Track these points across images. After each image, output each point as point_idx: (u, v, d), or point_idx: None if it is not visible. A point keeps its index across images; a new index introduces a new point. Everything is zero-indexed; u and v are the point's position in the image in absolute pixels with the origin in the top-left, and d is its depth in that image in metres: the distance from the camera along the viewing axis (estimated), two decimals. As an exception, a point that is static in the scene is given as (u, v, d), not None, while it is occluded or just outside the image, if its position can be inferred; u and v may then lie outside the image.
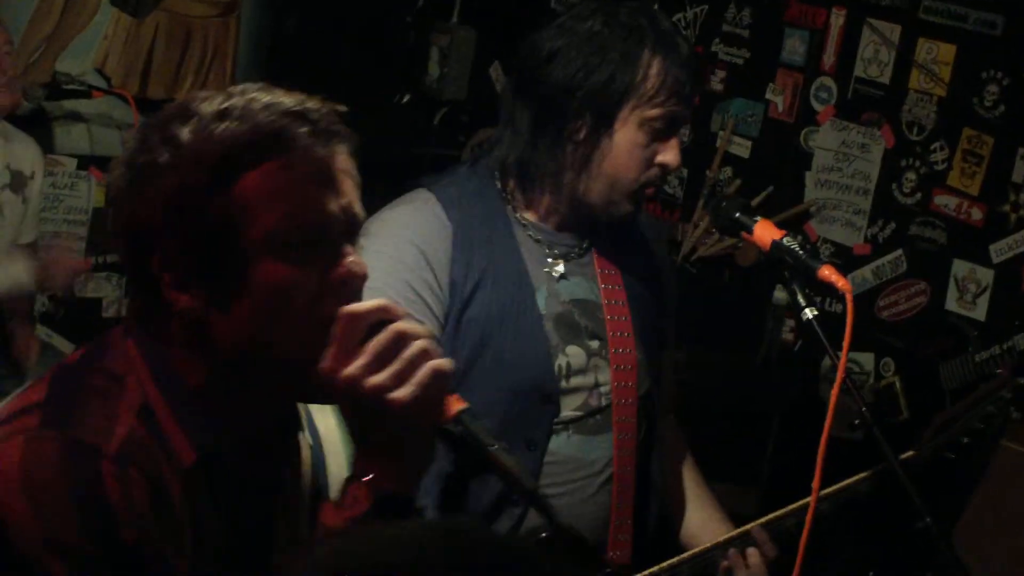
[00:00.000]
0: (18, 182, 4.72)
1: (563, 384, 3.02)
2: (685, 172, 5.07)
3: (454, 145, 5.65)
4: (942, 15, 4.49)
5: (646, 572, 3.02)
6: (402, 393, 1.89)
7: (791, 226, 4.68)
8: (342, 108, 1.96)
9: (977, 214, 4.46)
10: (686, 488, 3.40)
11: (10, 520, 1.81)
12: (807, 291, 2.83)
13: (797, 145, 4.81)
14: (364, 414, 1.92)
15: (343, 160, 1.94)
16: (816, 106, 4.76)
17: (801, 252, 2.85)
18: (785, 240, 2.86)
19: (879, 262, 4.65)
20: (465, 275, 2.91)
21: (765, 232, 2.90)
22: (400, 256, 2.86)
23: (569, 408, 3.04)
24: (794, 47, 4.80)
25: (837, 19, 4.71)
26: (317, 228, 1.90)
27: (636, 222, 3.18)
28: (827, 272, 2.80)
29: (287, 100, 1.91)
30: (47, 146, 5.20)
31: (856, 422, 2.84)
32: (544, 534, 3.05)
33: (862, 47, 4.66)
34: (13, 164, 4.71)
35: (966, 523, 3.94)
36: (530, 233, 3.03)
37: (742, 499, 4.12)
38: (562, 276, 3.06)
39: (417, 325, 1.96)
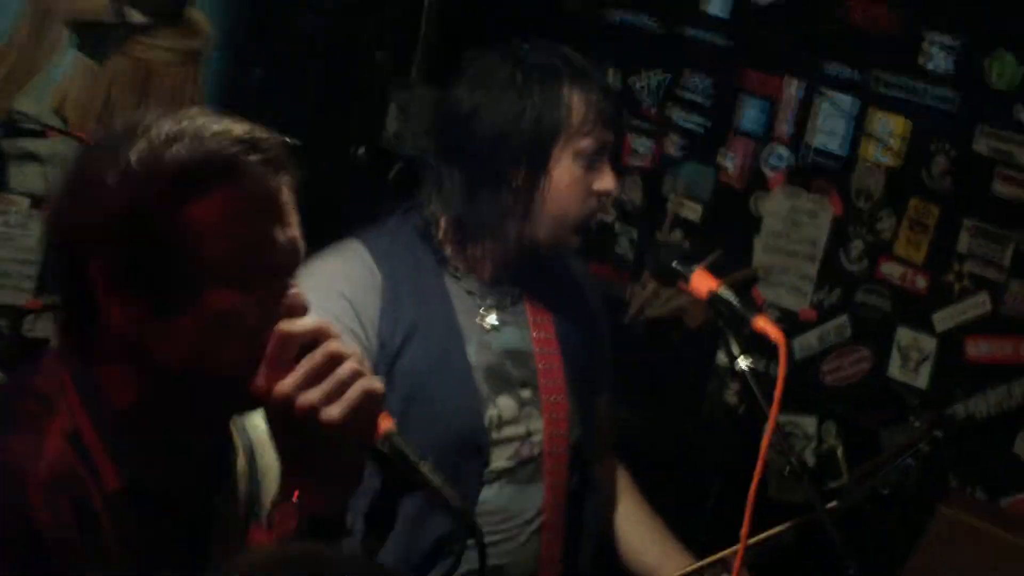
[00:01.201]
0: None
1: (494, 435, 3.03)
2: (635, 234, 5.09)
3: (408, 198, 5.66)
4: (897, 88, 4.53)
5: None
6: (333, 411, 1.91)
7: (738, 290, 4.72)
8: (289, 140, 1.98)
9: (922, 282, 4.49)
10: (639, 523, 3.40)
11: None
12: (743, 343, 2.86)
13: (747, 210, 4.83)
14: (294, 432, 1.93)
15: (288, 191, 1.96)
16: (767, 172, 4.80)
17: (736, 303, 2.88)
18: (721, 291, 2.90)
19: (824, 327, 4.68)
20: (394, 327, 2.92)
21: (702, 282, 2.94)
22: (328, 307, 2.85)
23: (500, 459, 3.05)
24: (749, 114, 4.84)
25: (790, 87, 4.75)
26: (266, 259, 1.94)
27: (567, 267, 3.20)
28: (762, 323, 2.84)
29: (237, 128, 1.94)
30: (1, 185, 5.20)
31: (787, 470, 2.87)
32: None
33: (814, 116, 4.70)
34: None
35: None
36: (462, 285, 3.04)
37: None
38: (494, 327, 3.07)
39: (350, 346, 1.98)
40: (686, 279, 2.96)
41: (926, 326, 4.48)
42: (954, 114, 4.42)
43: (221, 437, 2.11)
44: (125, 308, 1.92)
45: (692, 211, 4.96)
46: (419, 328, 2.96)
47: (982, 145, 4.36)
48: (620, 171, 4.98)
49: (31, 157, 5.35)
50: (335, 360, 1.94)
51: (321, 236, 2.97)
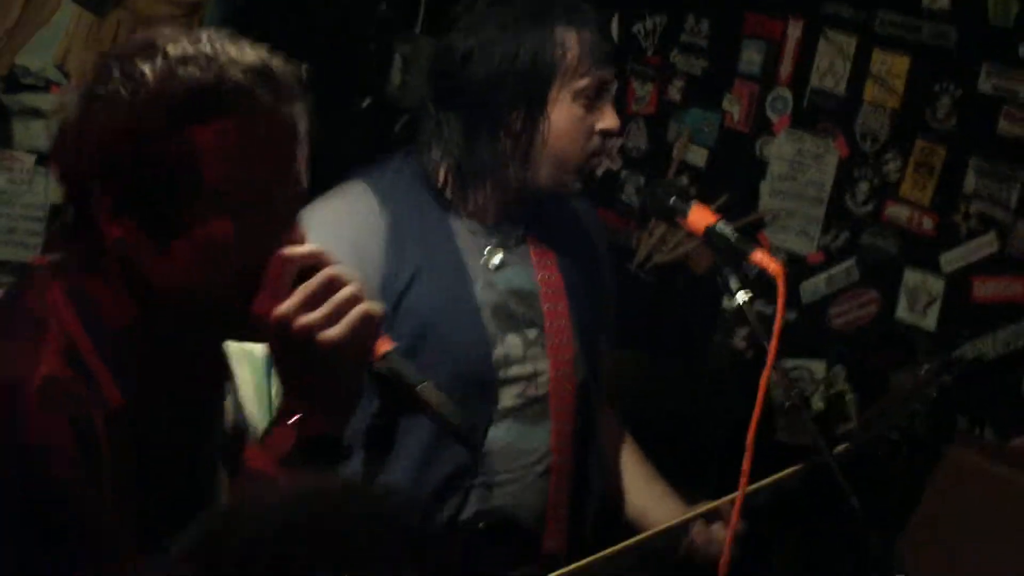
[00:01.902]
0: None
1: (501, 374, 3.03)
2: (641, 181, 5.07)
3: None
4: (897, 27, 4.51)
5: (611, 549, 3.03)
6: (332, 333, 1.93)
7: (745, 235, 4.71)
8: (303, 67, 1.99)
9: (928, 224, 4.48)
10: (632, 470, 3.40)
11: None
12: (741, 278, 2.86)
13: (752, 154, 4.82)
14: (293, 354, 1.95)
15: (299, 122, 1.97)
16: (772, 116, 4.78)
17: (733, 237, 2.88)
18: (718, 225, 2.89)
19: (832, 271, 4.67)
20: (399, 268, 2.92)
21: (700, 217, 2.93)
22: (331, 248, 2.85)
23: (507, 398, 3.05)
24: (751, 58, 4.82)
25: (794, 30, 4.72)
26: (267, 189, 1.94)
27: (573, 209, 3.20)
28: (759, 255, 2.84)
29: (252, 55, 1.93)
30: (5, 141, 5.20)
31: (787, 404, 2.87)
32: (481, 524, 3.07)
33: (817, 58, 4.68)
34: None
35: (912, 531, 3.95)
36: (466, 225, 3.04)
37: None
38: (499, 266, 3.06)
39: (348, 271, 2.00)
40: (684, 214, 2.95)
41: (933, 267, 4.47)
42: (956, 52, 4.40)
43: (216, 359, 2.11)
44: (123, 229, 1.92)
45: (698, 156, 4.94)
46: (425, 268, 2.96)
47: (986, 84, 4.34)
48: (625, 118, 5.02)
49: (35, 113, 5.35)
50: (334, 283, 1.96)
51: (327, 189, 2.97)
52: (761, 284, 4.62)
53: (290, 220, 1.99)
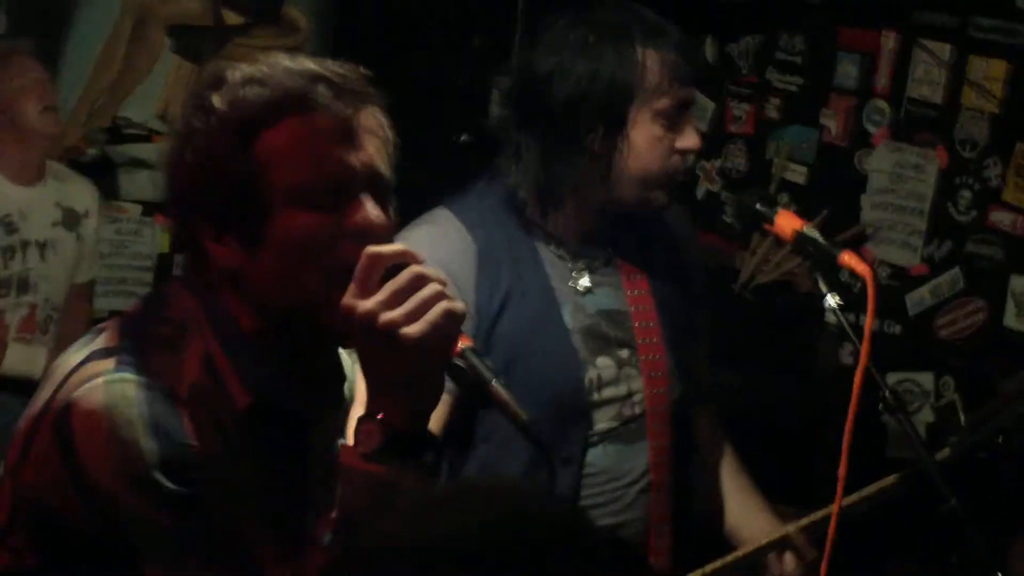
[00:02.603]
0: (71, 219, 4.79)
1: (595, 397, 3.02)
2: (743, 201, 5.05)
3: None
4: (993, 31, 4.47)
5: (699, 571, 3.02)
6: (414, 329, 1.99)
7: (856, 254, 4.68)
8: (365, 71, 2.08)
9: (1035, 229, 4.44)
10: (730, 483, 3.37)
11: (92, 456, 1.95)
12: (831, 282, 2.83)
13: (852, 168, 4.78)
14: (377, 350, 2.01)
15: (366, 118, 2.04)
16: (870, 128, 4.75)
17: (822, 240, 2.85)
18: (806, 229, 2.87)
19: (936, 281, 4.63)
20: (491, 294, 2.91)
21: (787, 222, 2.91)
22: None
23: (603, 420, 3.03)
24: (846, 71, 4.79)
25: (888, 41, 4.69)
26: (334, 179, 2.01)
27: (663, 222, 3.18)
28: (848, 258, 2.81)
29: (309, 64, 2.05)
30: (112, 192, 5.29)
31: (880, 406, 2.83)
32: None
33: (913, 68, 4.65)
34: (65, 202, 4.80)
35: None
36: (552, 249, 3.03)
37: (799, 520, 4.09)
38: (588, 290, 3.06)
39: (434, 270, 2.05)
40: (771, 220, 2.93)
41: (1041, 274, 4.42)
42: (1054, 51, 4.36)
43: (331, 363, 2.19)
44: (221, 247, 2.04)
45: (797, 174, 4.92)
46: (514, 293, 2.96)
47: (1086, 82, 4.30)
48: (723, 139, 5.01)
49: (139, 163, 5.44)
50: (419, 281, 2.01)
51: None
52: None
53: (371, 215, 2.04)
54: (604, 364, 3.04)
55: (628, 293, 3.11)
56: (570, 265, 3.05)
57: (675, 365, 3.14)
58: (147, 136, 5.39)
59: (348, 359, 2.23)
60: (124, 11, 5.32)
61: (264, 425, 2.07)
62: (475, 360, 2.07)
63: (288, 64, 2.05)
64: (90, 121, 5.21)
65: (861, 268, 2.80)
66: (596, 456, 3.03)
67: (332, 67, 2.05)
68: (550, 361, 2.96)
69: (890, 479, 3.18)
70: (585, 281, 3.06)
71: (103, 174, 5.25)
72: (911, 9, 4.64)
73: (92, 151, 5.19)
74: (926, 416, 4.61)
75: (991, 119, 4.50)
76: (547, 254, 3.03)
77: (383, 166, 2.06)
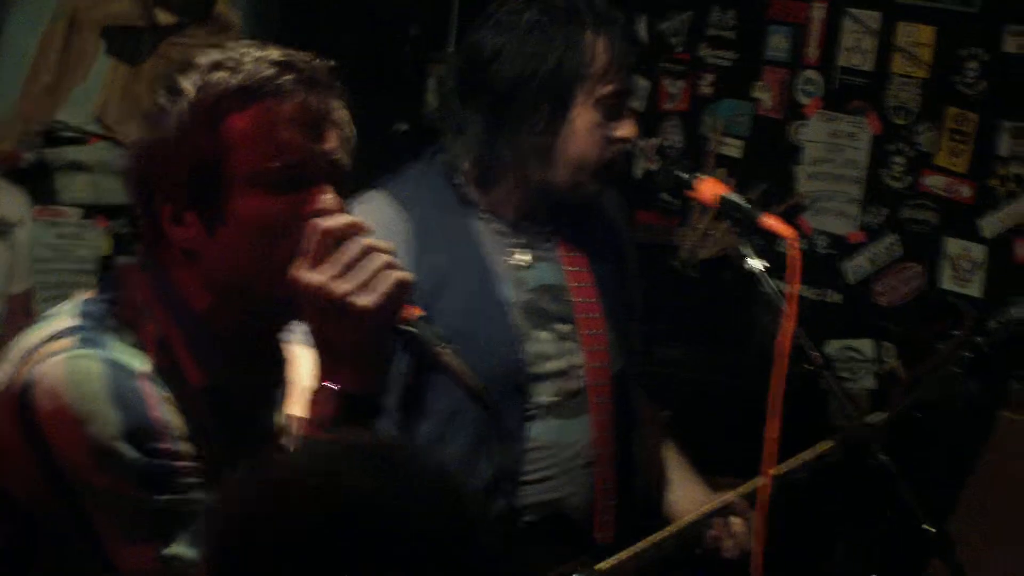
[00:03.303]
0: (2, 228, 4.75)
1: (535, 370, 3.03)
2: (681, 178, 5.07)
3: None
4: (918, -3, 4.52)
5: (632, 549, 3.03)
6: (366, 299, 2.06)
7: (785, 220, 4.69)
8: (332, 64, 2.15)
9: (966, 191, 4.48)
10: (664, 458, 3.40)
11: (56, 431, 2.00)
12: (756, 245, 2.86)
13: (787, 140, 4.80)
14: (329, 320, 2.07)
15: (328, 109, 2.11)
16: (803, 99, 4.77)
17: (744, 204, 2.87)
18: (729, 194, 2.89)
19: (873, 248, 4.66)
20: (426, 272, 2.92)
21: (709, 188, 2.93)
22: None
23: (544, 394, 3.05)
24: (778, 43, 4.82)
25: (817, 11, 4.72)
26: (296, 165, 2.08)
27: (600, 203, 3.20)
28: (770, 220, 2.83)
29: (276, 52, 2.12)
30: (50, 197, 5.26)
31: (806, 366, 2.85)
32: (528, 519, 3.07)
33: (843, 37, 4.68)
34: None
35: (970, 496, 3.92)
36: (490, 225, 3.04)
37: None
38: (527, 265, 3.07)
39: (383, 242, 2.12)
40: (692, 187, 2.95)
41: (974, 234, 4.46)
42: (979, 16, 4.39)
43: (275, 344, 2.25)
44: (181, 227, 2.09)
45: (733, 148, 4.94)
46: (451, 271, 2.97)
47: (1011, 44, 4.34)
48: (659, 116, 5.03)
49: (78, 167, 5.41)
50: (368, 252, 2.08)
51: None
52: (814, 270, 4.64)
53: (329, 203, 2.10)
54: (544, 338, 3.05)
55: (567, 269, 3.13)
56: (509, 241, 3.06)
57: (615, 340, 3.16)
58: (84, 139, 5.36)
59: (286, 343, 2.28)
60: (56, 16, 5.30)
61: (217, 403, 2.13)
62: (426, 328, 2.13)
63: (258, 52, 2.10)
64: (26, 128, 5.19)
65: (785, 230, 2.82)
66: (539, 430, 3.04)
67: (301, 58, 2.11)
68: (488, 336, 2.97)
69: (828, 443, 3.21)
70: (524, 256, 3.07)
71: (41, 179, 5.22)
72: (838, -23, 4.67)
73: (29, 156, 5.16)
74: (868, 382, 4.63)
75: (921, 84, 4.55)
76: (485, 230, 3.04)
77: (344, 157, 2.12)
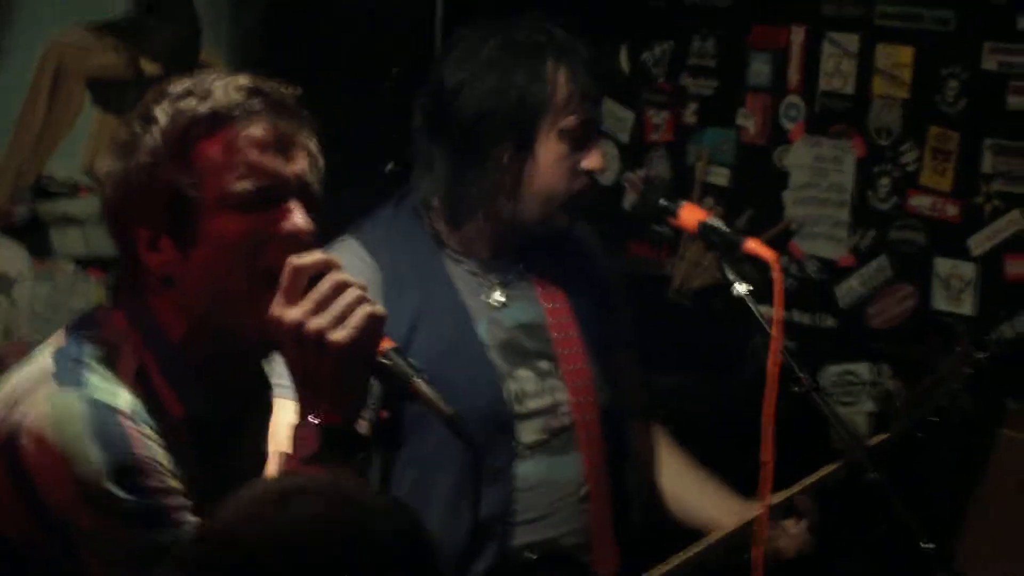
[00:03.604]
0: (3, 284, 4.77)
1: (517, 409, 3.03)
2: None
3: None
4: (897, 19, 4.54)
5: (683, 554, 3.03)
6: (340, 335, 2.11)
7: (775, 246, 4.70)
8: (297, 90, 2.24)
9: (952, 210, 4.50)
10: (679, 473, 3.39)
11: (43, 475, 2.05)
12: (739, 270, 2.87)
13: (772, 166, 4.82)
14: (305, 356, 2.13)
15: (296, 133, 2.20)
16: (787, 125, 4.79)
17: (726, 229, 2.89)
18: (709, 219, 2.91)
19: (864, 271, 4.67)
20: (398, 317, 2.91)
21: (691, 215, 2.95)
22: None
23: (530, 432, 3.05)
24: (759, 70, 4.83)
25: (797, 36, 4.74)
26: (266, 185, 2.15)
27: (572, 232, 3.20)
28: (752, 244, 2.85)
29: (243, 79, 2.21)
30: (44, 251, 5.27)
31: (795, 388, 2.87)
32: (529, 554, 3.07)
33: (824, 61, 4.70)
34: None
35: (973, 517, 3.92)
36: (463, 266, 3.04)
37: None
38: (502, 304, 3.07)
39: (354, 277, 2.18)
40: (674, 214, 2.97)
41: (963, 253, 4.48)
42: (957, 35, 4.42)
43: (257, 371, 2.31)
44: (156, 253, 2.16)
45: (719, 176, 4.95)
46: (425, 313, 2.97)
47: (991, 61, 4.37)
48: (644, 148, 5.03)
49: (69, 220, 5.42)
50: (340, 287, 2.13)
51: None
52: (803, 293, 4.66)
53: (299, 222, 2.17)
54: (524, 376, 3.05)
55: (544, 305, 3.13)
56: (482, 280, 3.06)
57: (600, 373, 3.16)
58: (74, 191, 5.37)
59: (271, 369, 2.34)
60: (41, 69, 5.31)
61: (198, 434, 2.19)
62: (399, 359, 2.19)
63: (227, 80, 2.19)
64: (16, 182, 5.20)
65: (766, 254, 2.84)
66: (528, 469, 3.04)
67: (269, 84, 2.20)
68: (468, 376, 2.97)
69: (831, 467, 3.22)
70: (499, 296, 3.07)
71: (34, 233, 5.24)
72: (817, 2, 4.68)
73: (21, 210, 5.17)
74: (867, 405, 4.63)
75: (903, 105, 4.56)
76: (458, 270, 3.04)
77: (313, 179, 2.20)
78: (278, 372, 2.32)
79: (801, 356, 4.36)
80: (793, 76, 4.77)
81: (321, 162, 2.23)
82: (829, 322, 4.73)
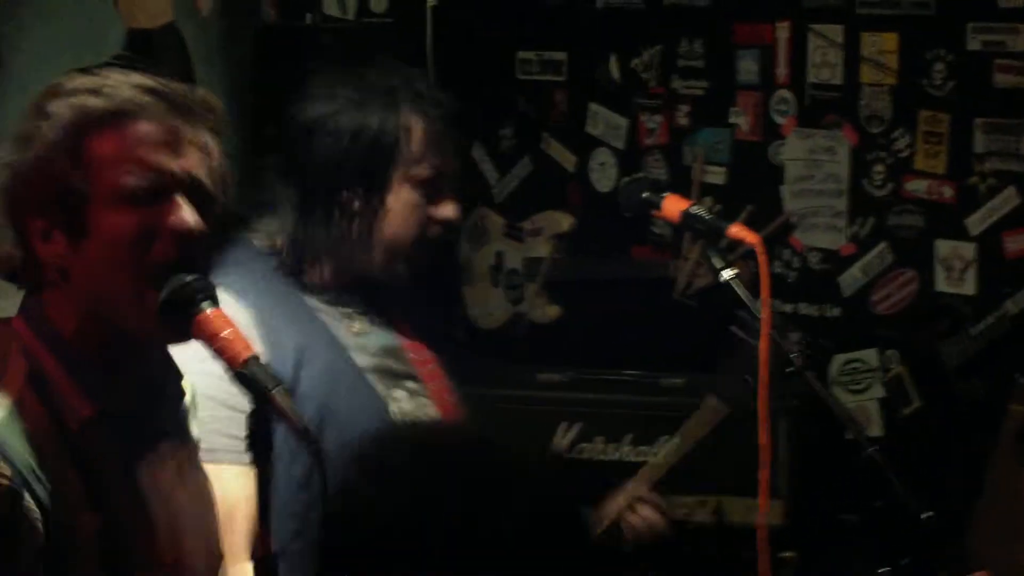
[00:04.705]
0: None
1: None
2: (670, 210, 5.09)
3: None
4: (878, 6, 4.57)
5: None
6: None
7: (775, 241, 4.72)
8: (210, 97, 2.29)
9: (948, 192, 4.52)
10: None
11: None
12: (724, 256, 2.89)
13: (768, 161, 4.84)
14: None
15: (192, 133, 2.22)
16: (778, 120, 4.80)
17: (709, 216, 2.90)
18: (692, 208, 2.92)
19: (866, 258, 4.68)
20: (283, 356, 2.88)
21: (674, 205, 2.97)
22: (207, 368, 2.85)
23: None
24: (748, 67, 4.85)
25: (782, 31, 4.76)
26: (154, 179, 2.18)
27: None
28: (736, 229, 2.87)
29: (139, 77, 2.24)
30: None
31: (788, 369, 2.89)
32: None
33: (810, 53, 4.72)
34: None
35: (984, 492, 3.93)
36: (321, 299, 3.01)
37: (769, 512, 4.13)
38: (364, 331, 3.04)
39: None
40: (658, 206, 2.98)
41: (962, 233, 4.50)
42: (940, 17, 4.45)
43: (163, 360, 2.33)
44: (50, 245, 2.18)
45: (716, 175, 4.96)
46: (304, 349, 2.92)
47: (975, 42, 4.39)
48: (641, 152, 5.05)
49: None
50: None
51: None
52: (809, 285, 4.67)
53: (186, 217, 2.20)
54: (401, 396, 3.03)
55: (395, 328, 3.11)
56: (341, 311, 3.02)
57: (455, 385, 3.16)
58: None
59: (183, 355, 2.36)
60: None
61: (110, 430, 2.21)
62: (257, 369, 2.16)
63: (122, 77, 2.23)
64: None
65: (750, 237, 2.86)
66: None
67: (169, 83, 2.23)
68: (357, 405, 2.95)
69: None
70: (359, 324, 3.04)
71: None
72: (798, -5, 4.72)
73: (17, 252, 5.20)
74: (877, 392, 4.64)
75: (892, 91, 4.58)
76: (318, 304, 3.00)
77: (204, 176, 2.22)
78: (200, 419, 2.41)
79: (809, 347, 4.43)
80: (781, 71, 4.78)
81: (218, 161, 2.25)
82: (833, 312, 4.74)
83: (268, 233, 3.01)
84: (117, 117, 2.18)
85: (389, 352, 3.06)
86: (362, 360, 3.00)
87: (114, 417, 2.22)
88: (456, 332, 5.26)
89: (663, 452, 3.30)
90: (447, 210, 2.99)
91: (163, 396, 2.35)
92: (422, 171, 2.95)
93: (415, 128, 2.94)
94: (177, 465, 2.35)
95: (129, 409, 2.24)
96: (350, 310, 3.04)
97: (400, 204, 2.94)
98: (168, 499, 2.30)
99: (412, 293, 3.14)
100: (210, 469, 2.50)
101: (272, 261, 3.00)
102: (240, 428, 2.71)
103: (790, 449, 4.20)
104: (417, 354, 3.12)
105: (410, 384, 3.06)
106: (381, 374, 3.02)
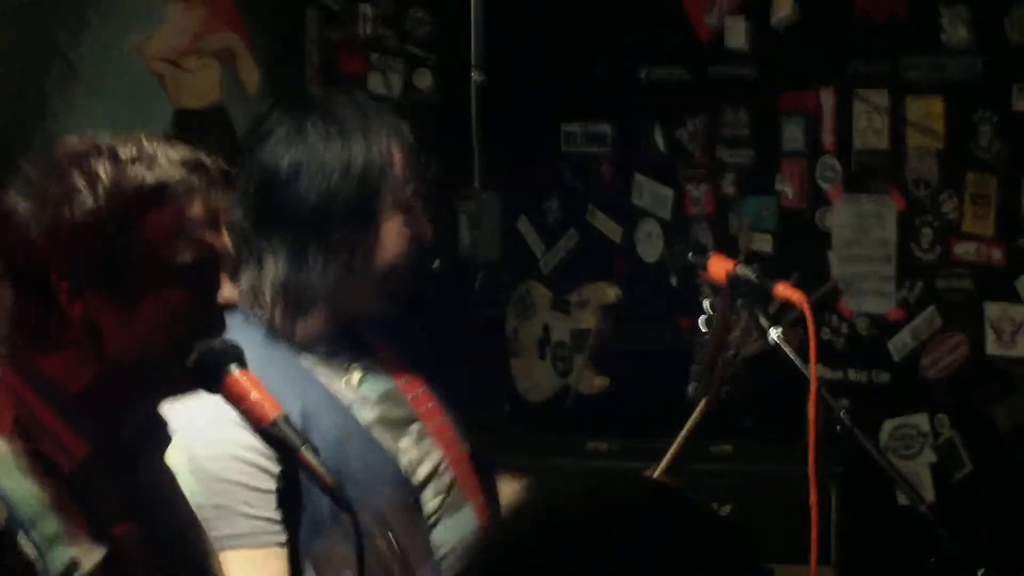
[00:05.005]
0: None
1: (415, 480, 2.96)
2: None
3: (496, 305, 5.67)
4: (923, 70, 4.57)
5: None
6: None
7: (823, 308, 4.70)
8: (227, 167, 2.37)
9: (997, 254, 4.50)
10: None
11: None
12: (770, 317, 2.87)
13: (814, 228, 4.83)
14: None
15: (225, 208, 2.34)
16: (825, 186, 4.80)
17: (755, 277, 2.88)
18: (738, 269, 2.90)
19: (914, 323, 4.66)
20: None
21: (719, 266, 2.95)
22: (216, 452, 2.81)
23: (430, 499, 2.97)
24: (793, 135, 4.85)
25: (827, 98, 4.76)
26: (203, 260, 2.28)
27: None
28: (782, 288, 2.85)
29: (185, 151, 2.31)
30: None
31: (837, 428, 2.86)
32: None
33: (856, 119, 4.72)
34: None
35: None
36: (314, 354, 2.94)
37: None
38: (361, 380, 2.99)
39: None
40: (704, 267, 2.97)
41: (1012, 295, 4.49)
42: (985, 80, 4.45)
43: (154, 412, 2.39)
44: (87, 304, 2.24)
45: (763, 242, 4.95)
46: (309, 415, 2.82)
47: (1021, 103, 4.39)
48: (687, 221, 5.04)
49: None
50: None
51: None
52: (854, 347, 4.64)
53: (227, 294, 2.34)
54: (407, 446, 2.97)
55: (389, 369, 3.06)
56: (335, 363, 2.96)
57: (456, 421, 3.11)
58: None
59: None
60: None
61: (104, 471, 2.27)
62: (286, 429, 2.23)
63: (166, 149, 2.29)
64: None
65: (796, 297, 2.84)
66: (440, 535, 2.96)
67: (200, 156, 2.31)
68: (365, 465, 2.88)
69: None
70: (356, 373, 2.99)
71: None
72: (844, 62, 4.72)
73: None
74: (928, 457, 4.61)
75: (938, 155, 4.58)
76: (311, 362, 2.94)
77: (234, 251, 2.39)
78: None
79: (859, 414, 4.39)
80: (827, 137, 4.78)
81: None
82: (882, 377, 4.71)
83: (250, 289, 2.90)
84: (167, 190, 2.24)
85: (388, 397, 2.98)
86: (365, 414, 2.92)
87: (108, 455, 2.27)
88: (504, 405, 5.25)
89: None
90: (423, 228, 2.95)
91: (149, 440, 2.39)
92: (407, 192, 2.90)
93: (395, 152, 2.90)
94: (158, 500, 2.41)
95: (121, 448, 2.30)
96: (346, 361, 2.97)
97: (392, 232, 2.88)
98: (165, 528, 2.37)
99: (391, 320, 3.11)
100: (238, 556, 2.55)
101: (262, 327, 2.91)
102: (270, 507, 2.73)
103: (840, 515, 4.17)
104: (412, 392, 3.05)
105: (413, 428, 3.00)
106: (385, 426, 2.95)
